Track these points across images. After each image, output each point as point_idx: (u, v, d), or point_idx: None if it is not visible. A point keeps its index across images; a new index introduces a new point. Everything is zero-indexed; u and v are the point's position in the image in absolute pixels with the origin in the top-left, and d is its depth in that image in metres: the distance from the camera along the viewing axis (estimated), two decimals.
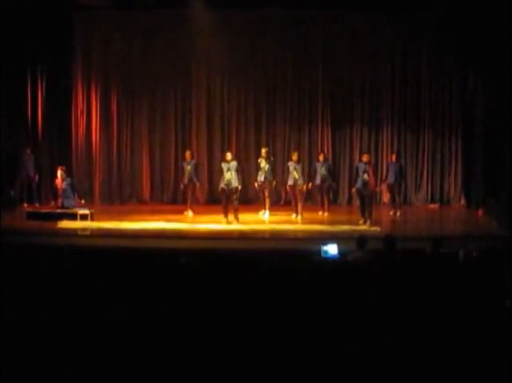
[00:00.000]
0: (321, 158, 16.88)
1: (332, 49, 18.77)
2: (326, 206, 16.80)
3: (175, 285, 6.57)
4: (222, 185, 15.46)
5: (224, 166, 15.50)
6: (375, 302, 5.81)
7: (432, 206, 18.61)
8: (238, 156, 17.67)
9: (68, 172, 16.83)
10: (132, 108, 19.33)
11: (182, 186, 17.11)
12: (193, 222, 15.76)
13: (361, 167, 15.24)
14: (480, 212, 16.57)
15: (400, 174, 16.99)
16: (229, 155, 15.72)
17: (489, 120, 17.39)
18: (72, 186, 16.17)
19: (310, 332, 5.15)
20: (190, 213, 16.61)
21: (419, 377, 4.70)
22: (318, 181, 16.69)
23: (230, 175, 15.32)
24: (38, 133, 18.68)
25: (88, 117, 19.27)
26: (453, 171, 18.90)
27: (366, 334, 5.12)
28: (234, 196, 15.32)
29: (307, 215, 16.15)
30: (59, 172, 16.13)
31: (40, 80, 18.65)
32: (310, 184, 16.77)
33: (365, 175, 15.00)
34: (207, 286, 6.43)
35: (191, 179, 16.72)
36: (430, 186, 18.96)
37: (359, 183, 15.15)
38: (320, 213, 16.73)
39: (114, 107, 19.31)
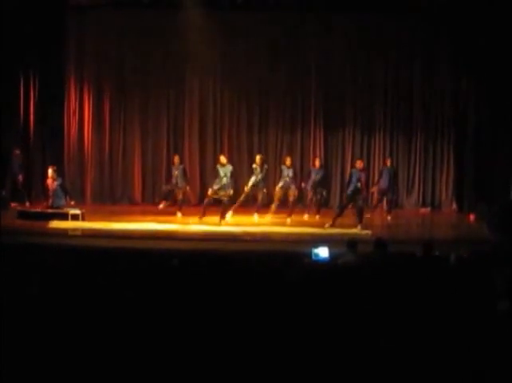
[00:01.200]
0: (317, 163, 16.91)
1: (324, 53, 18.76)
2: (315, 211, 16.69)
3: (166, 286, 6.55)
4: (215, 187, 15.47)
5: (221, 170, 15.52)
6: (365, 305, 5.80)
7: (423, 210, 18.62)
8: (231, 160, 17.67)
9: (60, 173, 16.82)
10: (125, 109, 19.30)
11: (164, 187, 17.18)
12: (184, 223, 15.72)
13: (355, 174, 15.19)
14: (471, 217, 16.59)
15: (394, 178, 17.04)
16: (224, 159, 15.73)
17: (481, 125, 17.42)
18: (62, 186, 16.14)
19: (301, 334, 5.14)
20: (179, 214, 16.62)
21: (411, 379, 4.70)
22: (310, 187, 16.65)
23: (225, 181, 15.38)
24: (30, 134, 18.62)
25: (81, 118, 19.23)
26: (444, 175, 18.92)
27: (357, 337, 5.11)
28: (226, 199, 15.37)
29: (298, 218, 16.14)
30: (50, 172, 16.10)
31: (32, 81, 18.57)
32: (303, 184, 16.76)
33: (358, 184, 15.01)
34: (198, 287, 6.41)
35: (176, 184, 16.76)
36: (421, 190, 18.98)
37: (350, 189, 15.11)
38: (306, 216, 16.62)
39: (106, 108, 19.28)
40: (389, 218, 16.71)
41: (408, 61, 18.77)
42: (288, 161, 16.57)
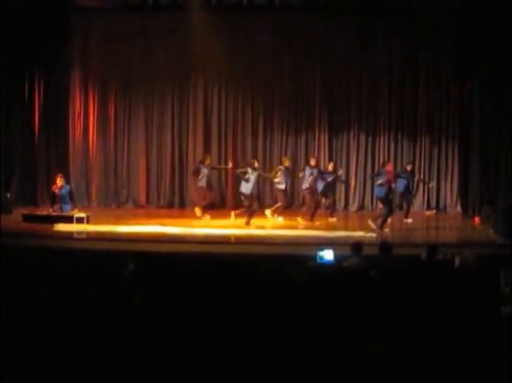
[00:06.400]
0: (330, 167, 17.05)
1: (329, 56, 18.78)
2: (330, 213, 16.74)
3: (171, 289, 6.55)
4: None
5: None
6: (370, 308, 5.80)
7: (428, 213, 18.60)
8: (236, 162, 17.78)
9: (66, 176, 16.83)
10: (130, 111, 19.35)
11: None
12: (190, 226, 15.65)
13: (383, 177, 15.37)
14: (476, 219, 16.56)
15: (410, 184, 17.20)
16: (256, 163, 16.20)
17: (485, 127, 17.38)
18: (70, 193, 16.20)
19: (305, 337, 5.14)
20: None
21: (416, 381, 4.70)
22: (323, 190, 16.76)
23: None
24: (35, 136, 18.63)
25: (86, 120, 19.28)
26: (449, 178, 18.92)
27: (361, 340, 5.11)
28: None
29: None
30: (58, 179, 16.11)
31: (37, 83, 18.62)
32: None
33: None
34: (202, 289, 6.41)
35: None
36: (426, 193, 18.97)
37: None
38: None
39: (111, 110, 19.32)
40: (409, 221, 16.75)
41: (413, 63, 18.76)
42: (313, 161, 16.77)
